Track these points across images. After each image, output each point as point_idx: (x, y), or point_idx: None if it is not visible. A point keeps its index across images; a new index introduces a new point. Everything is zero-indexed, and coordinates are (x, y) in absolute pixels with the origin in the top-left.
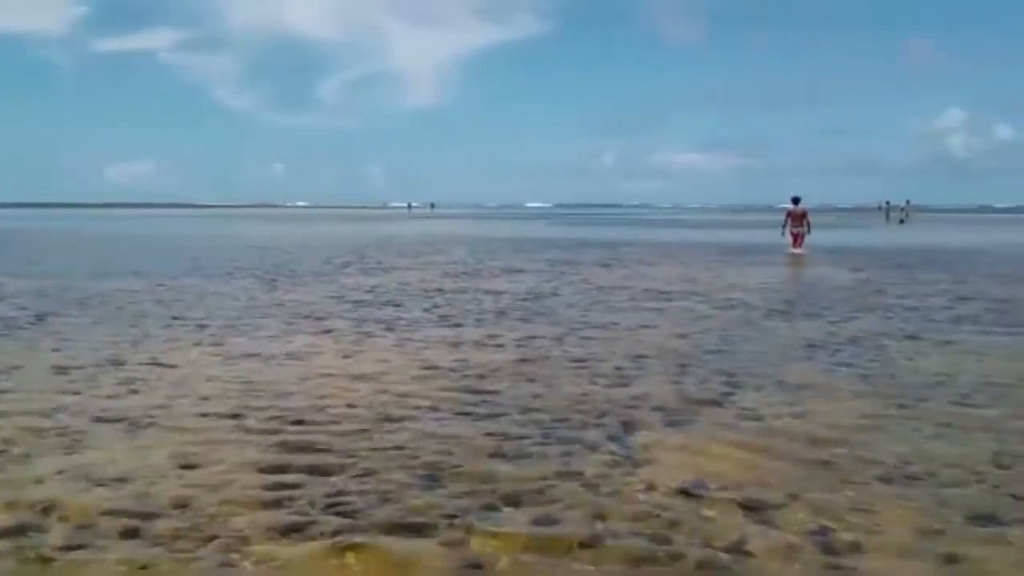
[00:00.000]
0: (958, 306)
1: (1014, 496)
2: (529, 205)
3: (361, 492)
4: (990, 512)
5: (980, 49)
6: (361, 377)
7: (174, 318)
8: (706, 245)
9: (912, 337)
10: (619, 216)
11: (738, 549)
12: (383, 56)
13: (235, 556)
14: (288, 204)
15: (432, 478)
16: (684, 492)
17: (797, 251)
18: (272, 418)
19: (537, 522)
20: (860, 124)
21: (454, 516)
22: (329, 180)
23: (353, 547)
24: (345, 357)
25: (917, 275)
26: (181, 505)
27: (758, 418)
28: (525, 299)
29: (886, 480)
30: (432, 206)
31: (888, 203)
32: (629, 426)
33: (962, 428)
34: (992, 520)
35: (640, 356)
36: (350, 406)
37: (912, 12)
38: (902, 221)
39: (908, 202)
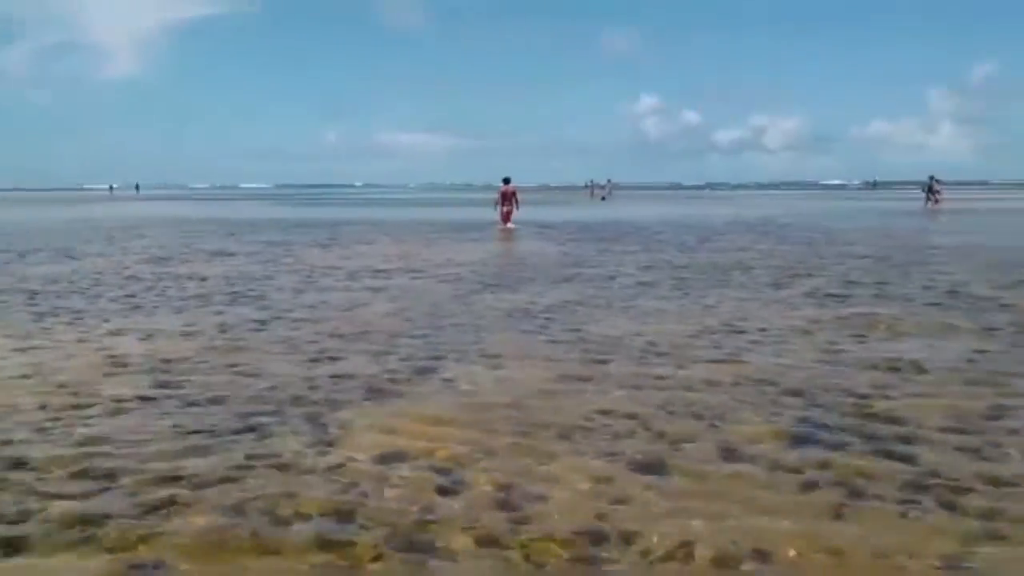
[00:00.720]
0: (644, 274)
1: (675, 442)
2: (246, 186)
3: (18, 501)
4: (656, 459)
5: (668, 41)
6: (32, 374)
7: None
8: (426, 223)
9: (602, 304)
10: (343, 196)
11: (425, 518)
12: (75, 24)
13: None
14: None
15: (105, 478)
16: (376, 467)
17: (508, 227)
18: None
19: (221, 512)
20: (569, 108)
21: (127, 518)
22: (8, 160)
23: (9, 561)
24: (15, 352)
25: (612, 247)
26: None
27: (457, 388)
28: (233, 283)
29: (568, 436)
30: (137, 188)
31: (592, 182)
32: (330, 405)
33: (638, 384)
34: (657, 465)
35: (349, 335)
36: (13, 405)
37: (613, 3)
38: (604, 198)
39: (610, 180)
